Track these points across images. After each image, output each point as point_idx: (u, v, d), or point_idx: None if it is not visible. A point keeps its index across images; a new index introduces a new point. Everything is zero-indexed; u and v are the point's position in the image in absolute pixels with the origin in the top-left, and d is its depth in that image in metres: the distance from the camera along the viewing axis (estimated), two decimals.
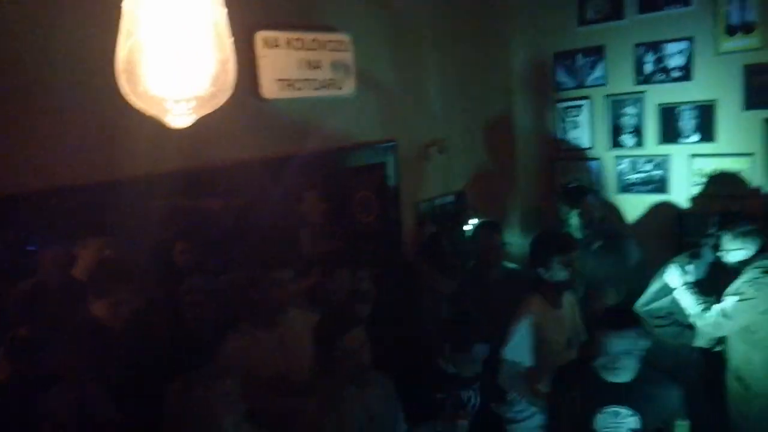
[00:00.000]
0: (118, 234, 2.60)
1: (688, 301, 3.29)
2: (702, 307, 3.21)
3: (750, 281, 3.12)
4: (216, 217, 2.93)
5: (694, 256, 3.44)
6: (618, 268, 3.77)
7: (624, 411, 2.45)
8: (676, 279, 3.37)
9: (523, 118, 4.67)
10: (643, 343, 2.44)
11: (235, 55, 0.76)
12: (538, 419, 3.03)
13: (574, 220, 3.85)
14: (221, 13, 0.72)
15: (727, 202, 3.95)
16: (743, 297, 3.10)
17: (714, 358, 3.48)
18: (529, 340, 3.03)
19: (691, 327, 3.40)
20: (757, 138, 4.00)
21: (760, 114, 3.97)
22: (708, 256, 3.42)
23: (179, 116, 0.73)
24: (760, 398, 3.13)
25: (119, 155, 2.39)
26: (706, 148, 4.19)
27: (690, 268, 3.36)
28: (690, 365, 3.51)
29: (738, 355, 3.22)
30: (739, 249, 3.21)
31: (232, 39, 0.75)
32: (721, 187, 4.13)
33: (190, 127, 0.85)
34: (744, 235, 3.21)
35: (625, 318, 2.51)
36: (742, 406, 3.22)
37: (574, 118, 4.68)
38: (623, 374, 2.45)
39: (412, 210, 4.08)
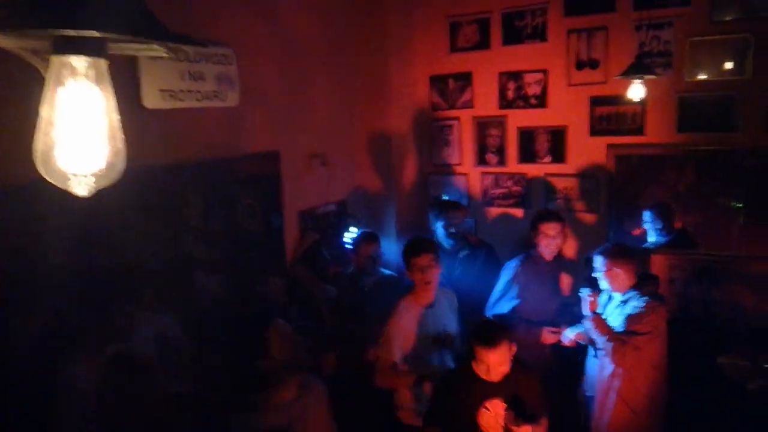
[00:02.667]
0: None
1: (600, 336, 3.33)
2: (611, 335, 3.28)
3: (650, 311, 3.24)
4: (96, 223, 2.90)
5: (595, 285, 3.48)
6: (481, 275, 4.14)
7: (500, 404, 2.79)
8: (585, 308, 3.45)
9: (401, 135, 4.96)
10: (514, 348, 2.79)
11: (125, 145, 1.04)
12: None
13: (440, 230, 4.17)
14: (116, 117, 1.01)
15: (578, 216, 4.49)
16: (648, 329, 3.21)
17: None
18: (397, 338, 3.25)
19: (535, 324, 3.79)
20: (601, 160, 4.55)
21: (603, 140, 4.53)
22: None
23: (81, 187, 0.99)
24: (642, 419, 3.33)
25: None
26: (559, 168, 4.70)
27: (600, 299, 3.45)
28: (543, 357, 3.91)
29: (624, 378, 3.29)
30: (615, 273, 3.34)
31: (123, 136, 1.04)
32: (571, 203, 4.67)
33: None
34: (620, 255, 3.34)
35: (494, 333, 2.78)
36: (626, 426, 3.34)
37: (446, 137, 5.06)
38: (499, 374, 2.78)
39: (295, 218, 4.23)
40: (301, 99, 4.29)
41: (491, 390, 2.80)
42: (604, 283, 3.42)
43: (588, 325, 3.41)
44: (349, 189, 4.79)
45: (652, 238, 4.37)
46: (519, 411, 2.82)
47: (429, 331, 3.33)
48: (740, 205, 4.19)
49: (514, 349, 2.82)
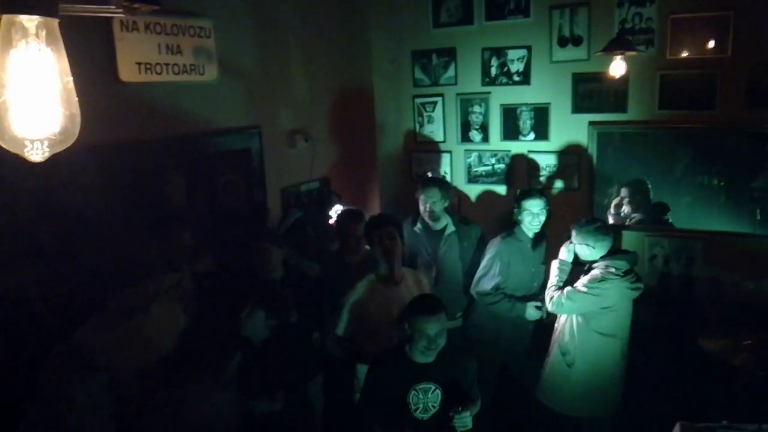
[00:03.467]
0: None
1: (553, 276, 3.59)
2: (556, 284, 3.53)
3: (601, 279, 3.36)
4: (74, 201, 2.88)
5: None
6: (466, 253, 4.16)
7: (431, 386, 2.77)
8: (563, 253, 3.63)
9: (384, 112, 4.94)
10: (450, 323, 2.79)
11: (79, 109, 1.00)
12: None
13: (423, 207, 4.16)
14: (69, 80, 0.97)
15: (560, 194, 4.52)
16: (591, 290, 3.35)
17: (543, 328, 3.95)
18: (351, 314, 3.27)
19: (520, 299, 3.85)
20: (583, 138, 4.56)
21: (585, 117, 4.53)
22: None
23: (35, 153, 0.97)
24: (578, 374, 3.49)
25: None
26: (542, 145, 4.71)
27: (571, 248, 3.59)
28: (526, 334, 3.97)
29: (568, 334, 3.49)
30: (590, 245, 3.45)
31: (76, 99, 1.00)
32: (553, 181, 4.69)
33: None
34: (595, 231, 3.45)
35: (433, 302, 2.76)
36: (560, 376, 3.57)
37: (430, 114, 5.04)
38: (433, 354, 2.74)
39: (278, 195, 4.22)
40: (282, 74, 4.26)
41: (426, 372, 2.77)
42: (563, 251, 3.61)
43: (552, 265, 3.60)
44: (333, 165, 4.77)
45: (627, 214, 4.41)
46: (455, 393, 2.80)
47: (392, 308, 3.27)
48: (721, 183, 4.22)
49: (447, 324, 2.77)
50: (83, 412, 2.14)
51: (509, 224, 4.00)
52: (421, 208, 4.15)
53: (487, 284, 3.86)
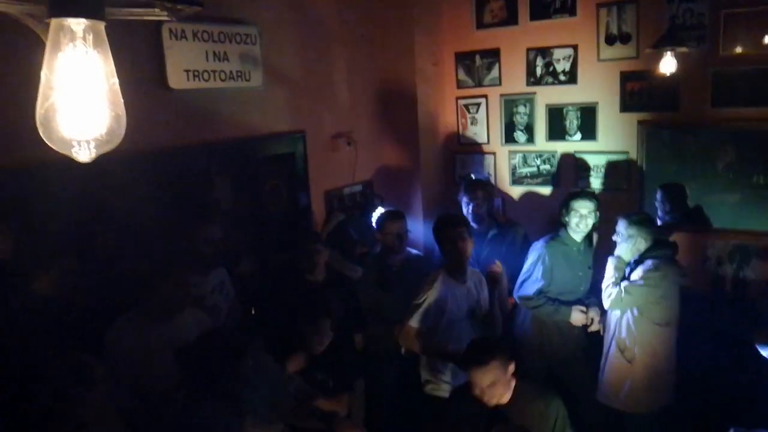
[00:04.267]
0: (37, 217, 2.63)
1: (609, 274, 3.56)
2: (614, 281, 3.52)
3: (655, 269, 3.43)
4: (122, 204, 2.97)
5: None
6: (510, 255, 4.10)
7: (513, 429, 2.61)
8: (621, 251, 3.59)
9: (426, 114, 4.93)
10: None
11: (124, 110, 1.03)
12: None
13: (466, 209, 4.14)
14: (115, 82, 1.00)
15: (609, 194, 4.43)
16: (647, 282, 3.41)
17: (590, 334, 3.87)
18: (430, 308, 3.33)
19: (565, 303, 3.77)
20: (632, 137, 4.44)
21: (634, 116, 4.41)
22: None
23: (82, 153, 1.01)
24: (639, 369, 3.50)
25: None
26: (589, 145, 4.61)
27: (628, 246, 3.56)
28: (571, 339, 3.89)
29: (625, 330, 3.53)
30: (640, 237, 3.49)
31: (122, 101, 1.03)
32: (601, 182, 4.58)
33: None
34: (638, 223, 3.51)
35: (484, 348, 2.66)
36: (622, 374, 3.56)
37: (473, 115, 5.01)
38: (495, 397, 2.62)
39: (321, 198, 4.26)
40: (326, 78, 4.30)
41: (497, 417, 2.62)
42: (621, 247, 3.55)
43: (608, 264, 3.57)
44: (375, 168, 4.79)
45: (661, 217, 4.27)
46: None
47: (462, 304, 3.42)
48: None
49: (512, 368, 2.66)
50: (84, 422, 2.11)
51: (554, 227, 3.93)
52: (464, 209, 4.13)
53: (530, 289, 3.79)
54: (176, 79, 3.19)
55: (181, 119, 3.27)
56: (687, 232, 4.22)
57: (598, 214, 3.77)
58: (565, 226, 3.81)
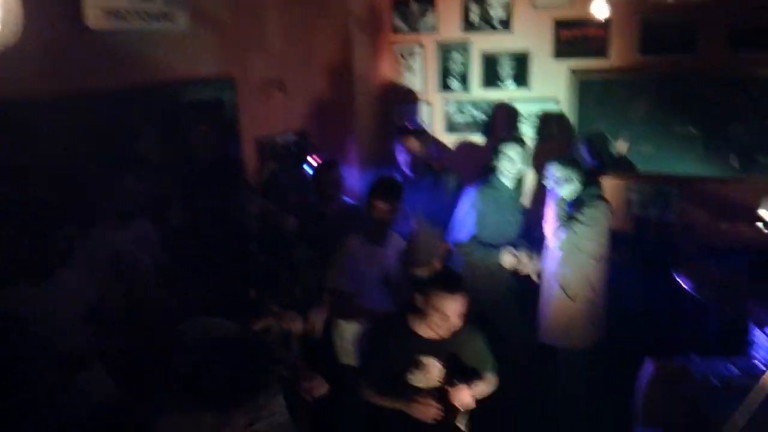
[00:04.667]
0: None
1: (551, 215, 3.66)
2: (560, 221, 3.61)
3: (591, 206, 3.60)
4: (35, 156, 2.78)
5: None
6: (443, 202, 4.14)
7: (434, 362, 2.68)
8: (562, 192, 3.67)
9: (361, 61, 4.84)
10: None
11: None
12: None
13: (402, 157, 4.12)
14: None
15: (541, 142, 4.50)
16: (587, 219, 3.56)
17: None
18: (346, 270, 3.33)
19: (495, 246, 3.87)
20: (564, 85, 4.50)
21: (566, 64, 4.47)
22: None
23: None
24: (581, 304, 3.67)
25: None
26: (522, 93, 4.65)
27: (571, 186, 3.65)
28: (502, 282, 4.00)
29: (567, 267, 3.65)
30: (571, 179, 3.60)
31: None
32: (534, 130, 4.65)
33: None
34: (573, 165, 3.64)
35: (456, 279, 2.69)
36: (565, 311, 3.71)
37: (409, 62, 4.95)
38: (443, 333, 2.64)
39: (253, 147, 4.14)
40: (255, 22, 4.13)
41: (428, 348, 2.68)
42: (561, 189, 3.63)
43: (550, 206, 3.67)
44: (310, 117, 4.69)
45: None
46: (456, 370, 2.70)
47: (377, 270, 3.41)
48: (699, 130, 4.22)
49: (467, 303, 2.67)
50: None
51: (488, 173, 3.98)
52: (399, 158, 4.12)
53: (463, 234, 3.86)
54: (95, 18, 2.97)
55: (99, 62, 3.07)
56: (612, 177, 4.37)
57: (527, 159, 3.85)
58: (496, 171, 3.86)
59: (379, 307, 3.35)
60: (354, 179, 4.72)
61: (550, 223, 3.69)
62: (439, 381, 2.70)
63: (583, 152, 4.41)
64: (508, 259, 3.82)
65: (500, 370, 3.23)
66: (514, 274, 3.92)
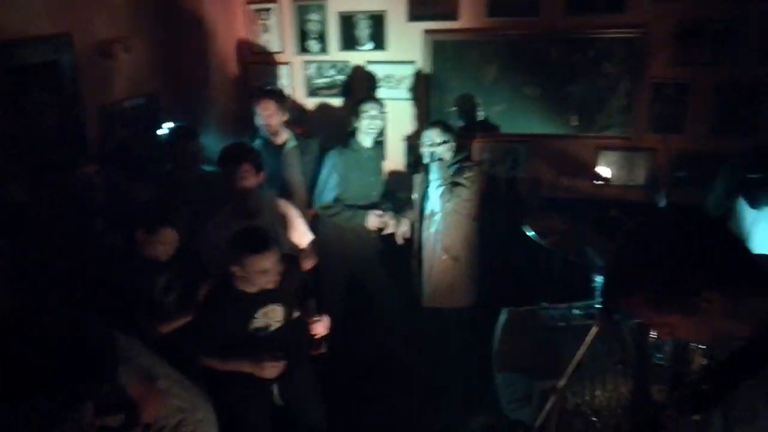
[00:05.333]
0: None
1: (436, 175, 3.70)
2: (444, 183, 3.68)
3: (469, 169, 3.75)
4: None
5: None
6: (307, 167, 4.11)
7: (270, 307, 2.83)
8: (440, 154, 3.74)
9: (213, 18, 4.59)
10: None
11: None
12: None
13: (261, 121, 4.02)
14: None
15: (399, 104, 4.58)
16: (467, 180, 3.70)
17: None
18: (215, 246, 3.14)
19: (359, 208, 3.92)
20: (419, 47, 4.57)
21: (420, 25, 4.52)
22: None
23: None
24: (464, 265, 3.84)
25: None
26: (379, 55, 4.67)
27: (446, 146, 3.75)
28: (369, 243, 4.08)
29: (450, 229, 3.78)
30: (445, 143, 3.71)
31: None
32: (392, 92, 4.70)
33: None
34: (450, 128, 3.78)
35: (260, 237, 2.73)
36: (448, 273, 3.85)
37: (265, 22, 4.78)
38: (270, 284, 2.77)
39: (96, 114, 3.83)
40: None
41: (260, 300, 2.80)
42: (441, 153, 3.69)
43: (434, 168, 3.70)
44: (161, 80, 4.40)
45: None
46: (292, 304, 2.91)
47: None
48: (542, 90, 4.48)
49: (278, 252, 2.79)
50: None
51: (348, 137, 4.01)
52: (259, 122, 4.01)
53: (327, 197, 3.88)
54: None
55: None
56: (480, 139, 4.59)
57: (384, 116, 3.94)
58: (355, 133, 3.90)
59: None
60: (213, 146, 4.55)
61: (433, 185, 3.74)
62: (283, 320, 2.87)
63: (454, 115, 4.55)
64: (373, 220, 3.90)
65: (379, 333, 3.36)
66: (380, 235, 4.02)
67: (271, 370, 2.78)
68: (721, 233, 1.32)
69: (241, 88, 4.93)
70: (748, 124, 4.09)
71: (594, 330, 2.76)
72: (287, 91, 4.76)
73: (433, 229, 3.84)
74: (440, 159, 3.72)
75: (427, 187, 3.86)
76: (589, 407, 3.05)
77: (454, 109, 4.60)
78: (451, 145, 3.75)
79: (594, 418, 3.04)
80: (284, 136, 4.09)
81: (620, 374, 3.03)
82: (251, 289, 2.77)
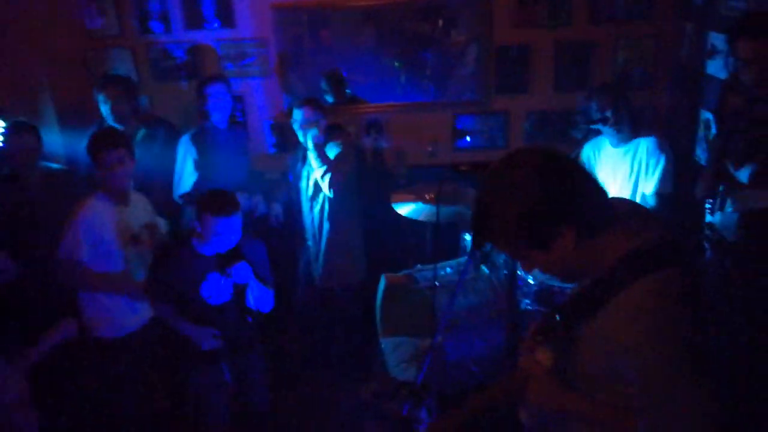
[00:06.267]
0: None
1: (316, 161, 3.68)
2: (324, 163, 3.67)
3: (345, 146, 3.79)
4: None
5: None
6: (161, 155, 3.91)
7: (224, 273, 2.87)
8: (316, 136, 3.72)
9: (43, 6, 4.20)
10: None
11: None
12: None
13: (105, 111, 3.76)
14: None
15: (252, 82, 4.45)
16: (346, 157, 3.76)
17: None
18: (86, 238, 2.96)
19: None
20: (269, 24, 4.41)
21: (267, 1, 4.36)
22: None
23: None
24: (350, 237, 3.92)
25: None
26: (227, 33, 4.46)
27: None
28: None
29: (344, 206, 3.85)
30: (317, 120, 3.69)
31: None
32: (245, 70, 4.54)
33: None
34: (321, 106, 3.77)
35: (226, 200, 2.77)
36: (339, 250, 3.90)
37: (101, 4, 4.40)
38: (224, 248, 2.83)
39: None
40: None
41: (216, 262, 2.86)
42: (314, 132, 3.66)
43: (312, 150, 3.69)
44: None
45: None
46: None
47: (126, 229, 3.09)
48: (402, 62, 4.56)
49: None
50: None
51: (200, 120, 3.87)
52: (104, 110, 3.77)
53: (187, 184, 3.76)
54: None
55: None
56: (347, 112, 4.57)
57: (230, 96, 3.87)
58: (207, 115, 3.77)
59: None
60: (55, 141, 4.19)
61: (316, 168, 3.69)
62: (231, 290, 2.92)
63: (323, 91, 4.50)
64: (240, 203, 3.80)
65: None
66: (254, 219, 3.94)
67: (208, 340, 2.86)
68: (577, 172, 1.39)
69: (84, 76, 4.52)
70: (585, 81, 4.41)
71: (461, 284, 2.87)
72: (132, 76, 4.43)
73: (317, 209, 3.85)
74: (314, 137, 3.68)
75: (302, 167, 3.85)
76: (470, 358, 3.21)
77: (323, 85, 4.55)
78: (323, 122, 3.73)
79: (474, 368, 3.21)
80: (134, 125, 3.86)
81: (496, 323, 3.21)
82: (207, 251, 2.85)
